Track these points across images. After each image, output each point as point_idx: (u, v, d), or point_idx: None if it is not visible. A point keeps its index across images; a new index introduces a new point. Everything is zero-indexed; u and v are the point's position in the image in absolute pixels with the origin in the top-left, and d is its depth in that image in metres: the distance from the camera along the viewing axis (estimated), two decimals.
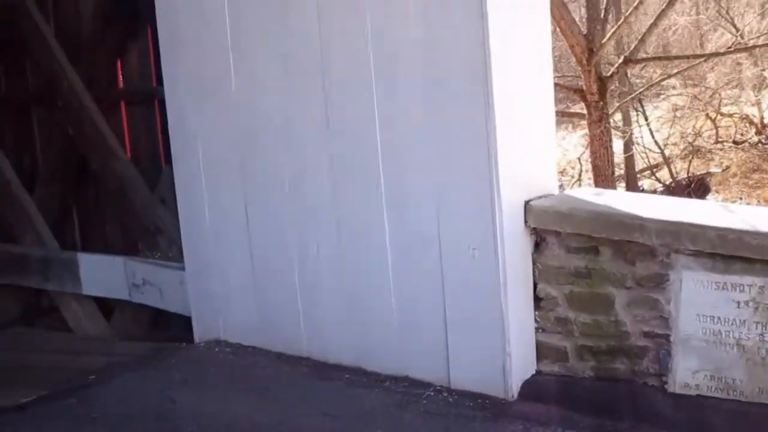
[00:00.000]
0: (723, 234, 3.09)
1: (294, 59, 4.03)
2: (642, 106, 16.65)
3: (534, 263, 3.55)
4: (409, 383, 3.75)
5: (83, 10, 5.38)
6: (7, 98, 5.99)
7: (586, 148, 14.41)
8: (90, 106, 5.20)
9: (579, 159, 15.73)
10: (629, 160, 16.43)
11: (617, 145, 14.88)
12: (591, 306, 3.42)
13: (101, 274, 5.24)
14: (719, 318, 3.15)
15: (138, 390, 4.09)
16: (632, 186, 15.89)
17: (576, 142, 17.14)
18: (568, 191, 4.05)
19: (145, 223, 5.12)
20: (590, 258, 3.40)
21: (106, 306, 5.43)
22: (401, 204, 3.77)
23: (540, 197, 3.60)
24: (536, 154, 3.72)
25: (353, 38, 3.81)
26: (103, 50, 5.32)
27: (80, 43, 5.37)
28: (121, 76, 5.37)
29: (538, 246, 3.54)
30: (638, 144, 16.91)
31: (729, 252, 3.06)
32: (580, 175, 15.11)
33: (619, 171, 15.16)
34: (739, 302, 3.09)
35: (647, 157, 17.12)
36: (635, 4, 13.07)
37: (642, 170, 17.29)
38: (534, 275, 3.56)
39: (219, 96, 4.33)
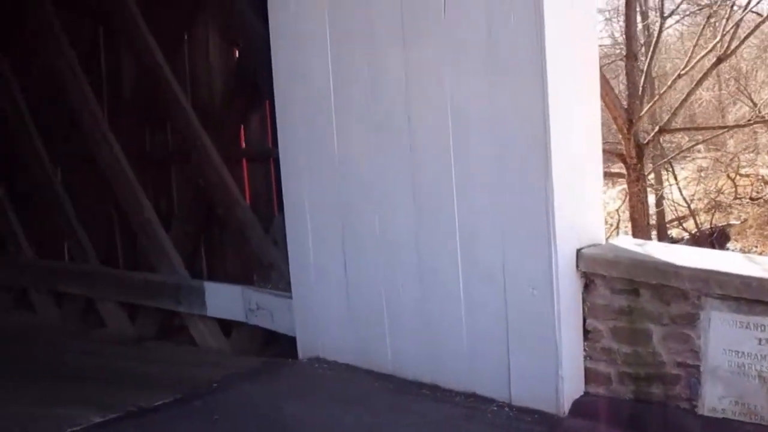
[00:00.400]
0: (746, 281, 3.13)
1: (384, 129, 4.14)
2: (672, 168, 16.91)
3: (583, 301, 3.58)
4: (476, 399, 3.79)
5: (214, 85, 5.55)
6: (151, 154, 6.12)
7: (623, 202, 14.90)
8: (218, 162, 5.31)
9: (617, 211, 16.04)
10: (660, 213, 16.69)
11: (650, 200, 15.26)
12: (632, 339, 3.45)
13: (223, 299, 5.31)
14: (743, 353, 3.16)
15: (252, 397, 4.19)
16: (662, 234, 16.12)
17: (614, 196, 17.37)
18: (612, 241, 4.05)
19: (260, 259, 5.18)
20: (632, 298, 3.44)
21: (226, 326, 5.48)
22: (472, 250, 3.82)
23: (589, 246, 3.63)
24: (586, 209, 3.76)
25: (435, 113, 3.89)
26: (229, 117, 5.42)
27: (212, 111, 5.50)
28: (243, 138, 5.45)
29: (587, 287, 3.58)
30: (668, 199, 17.19)
31: (752, 296, 3.10)
32: (617, 224, 15.33)
33: (652, 221, 15.43)
34: (760, 339, 3.12)
35: (675, 210, 17.36)
36: (668, 84, 13.91)
37: (671, 221, 17.55)
38: (583, 311, 3.59)
39: (323, 157, 4.43)
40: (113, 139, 6.07)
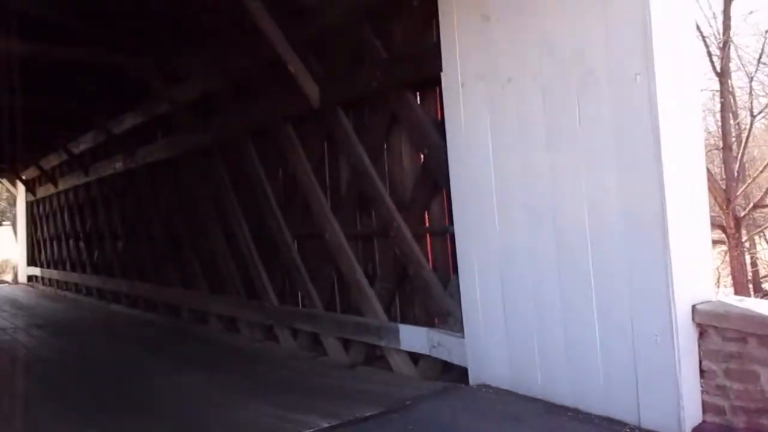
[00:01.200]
0: None
1: (534, 211, 4.15)
2: (765, 234, 16.66)
3: (699, 347, 3.44)
4: (611, 422, 3.68)
5: (405, 181, 5.72)
6: (361, 232, 6.31)
7: (722, 261, 14.32)
8: (409, 238, 5.46)
9: (717, 269, 15.59)
10: (755, 272, 16.21)
11: (746, 260, 15.00)
12: (742, 378, 3.27)
13: (412, 337, 5.38)
14: None
15: (436, 412, 4.23)
16: (757, 289, 15.48)
17: (714, 257, 17.08)
18: (720, 297, 3.84)
19: (440, 308, 5.22)
20: (740, 345, 3.28)
21: (414, 357, 5.50)
22: (606, 305, 3.77)
23: (702, 302, 3.49)
24: (699, 271, 3.63)
25: (574, 199, 3.91)
26: (417, 204, 5.53)
27: (404, 200, 5.66)
28: (427, 219, 5.54)
29: (701, 335, 3.44)
30: (761, 259, 16.84)
31: None
32: (718, 280, 14.58)
33: (748, 278, 15.01)
34: None
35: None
36: (760, 170, 13.92)
37: (763, 276, 17.00)
38: (699, 355, 3.44)
39: (487, 233, 4.52)
40: (335, 221, 6.35)
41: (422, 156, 5.42)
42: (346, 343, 6.33)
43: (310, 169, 6.65)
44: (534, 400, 4.18)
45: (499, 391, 4.42)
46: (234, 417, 4.66)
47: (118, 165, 11.32)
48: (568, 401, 3.98)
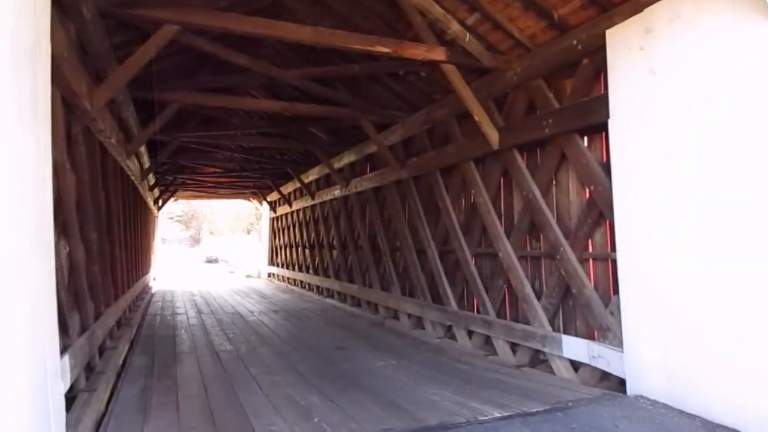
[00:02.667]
0: None
1: (693, 241, 3.81)
2: None
3: None
4: None
5: (572, 212, 5.54)
6: (531, 254, 6.17)
7: None
8: (573, 261, 5.29)
9: None
10: None
11: None
12: None
13: (574, 347, 5.20)
14: None
15: (595, 415, 4.01)
16: None
17: None
18: None
19: (600, 324, 4.98)
20: None
21: (574, 364, 5.30)
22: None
23: None
24: None
25: (727, 227, 3.53)
26: (581, 233, 5.33)
27: (570, 229, 5.51)
28: (591, 246, 5.30)
29: None
30: None
31: None
32: None
33: None
34: None
35: None
36: None
37: None
38: None
39: (646, 260, 4.24)
40: (507, 243, 6.32)
41: (588, 191, 5.24)
42: (514, 347, 6.24)
43: (488, 198, 6.70)
44: (691, 416, 3.83)
45: (656, 404, 4.11)
46: (422, 398, 4.79)
47: (336, 192, 12.24)
48: (727, 421, 3.59)
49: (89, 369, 5.36)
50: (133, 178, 9.77)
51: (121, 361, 6.41)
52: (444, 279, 7.73)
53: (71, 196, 4.93)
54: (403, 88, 7.95)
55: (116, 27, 5.38)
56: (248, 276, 23.76)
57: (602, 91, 4.94)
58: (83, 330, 5.20)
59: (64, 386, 3.54)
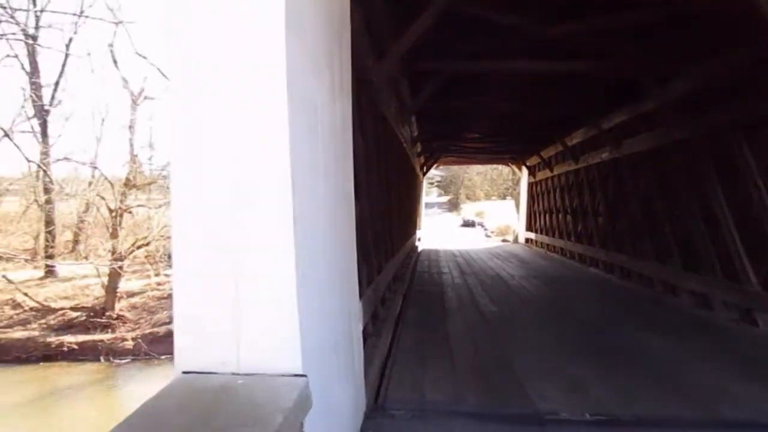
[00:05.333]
0: None
1: None
2: None
3: None
4: None
5: None
6: None
7: None
8: None
9: None
10: None
11: None
12: None
13: None
14: None
15: None
16: None
17: None
18: None
19: None
20: None
21: None
22: None
23: None
24: None
25: None
26: None
27: None
28: None
29: None
30: None
31: None
32: None
33: None
34: None
35: None
36: None
37: None
38: None
39: None
40: None
41: None
42: None
43: None
44: None
45: None
46: (714, 387, 4.21)
47: (604, 155, 11.39)
48: None
49: (374, 317, 6.06)
50: (405, 144, 10.58)
51: (397, 312, 7.10)
52: (743, 254, 6.59)
53: (361, 159, 5.55)
54: (691, 34, 6.84)
55: (395, 4, 5.77)
56: (504, 240, 24.02)
57: None
58: (369, 282, 5.88)
59: (361, 327, 4.07)
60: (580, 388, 4.13)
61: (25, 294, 16.71)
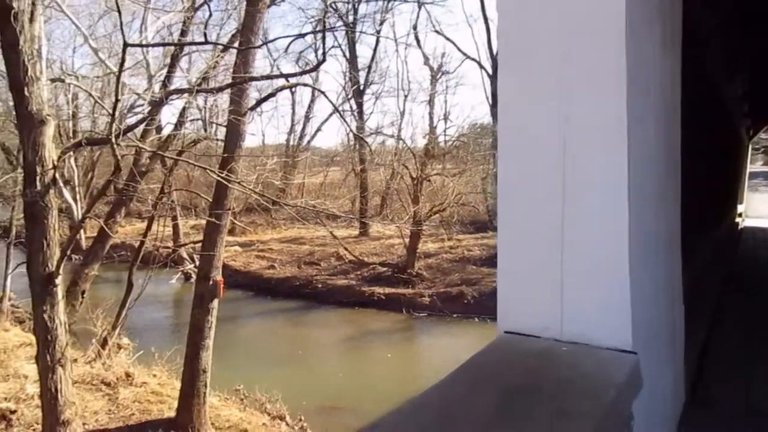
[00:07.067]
0: None
1: None
2: None
3: None
4: None
5: None
6: None
7: None
8: None
9: None
10: None
11: None
12: None
13: None
14: None
15: None
16: None
17: None
18: None
19: None
20: None
21: None
22: None
23: None
24: None
25: None
26: None
27: None
28: None
29: None
30: None
31: None
32: None
33: None
34: None
35: None
36: None
37: None
38: None
39: None
40: None
41: None
42: None
43: None
44: None
45: None
46: None
47: None
48: None
49: (689, 302, 5.41)
50: (729, 105, 8.97)
51: (714, 297, 6.18)
52: None
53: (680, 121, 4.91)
54: None
55: None
56: None
57: None
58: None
59: (683, 309, 3.69)
60: None
61: (346, 248, 19.89)
